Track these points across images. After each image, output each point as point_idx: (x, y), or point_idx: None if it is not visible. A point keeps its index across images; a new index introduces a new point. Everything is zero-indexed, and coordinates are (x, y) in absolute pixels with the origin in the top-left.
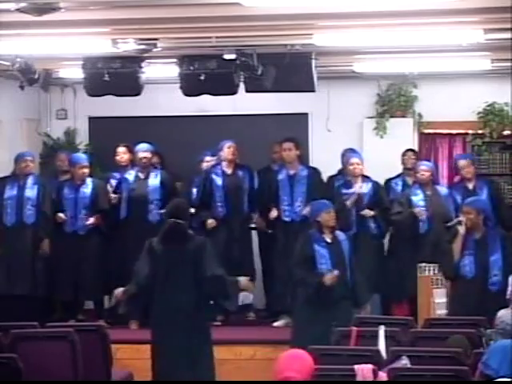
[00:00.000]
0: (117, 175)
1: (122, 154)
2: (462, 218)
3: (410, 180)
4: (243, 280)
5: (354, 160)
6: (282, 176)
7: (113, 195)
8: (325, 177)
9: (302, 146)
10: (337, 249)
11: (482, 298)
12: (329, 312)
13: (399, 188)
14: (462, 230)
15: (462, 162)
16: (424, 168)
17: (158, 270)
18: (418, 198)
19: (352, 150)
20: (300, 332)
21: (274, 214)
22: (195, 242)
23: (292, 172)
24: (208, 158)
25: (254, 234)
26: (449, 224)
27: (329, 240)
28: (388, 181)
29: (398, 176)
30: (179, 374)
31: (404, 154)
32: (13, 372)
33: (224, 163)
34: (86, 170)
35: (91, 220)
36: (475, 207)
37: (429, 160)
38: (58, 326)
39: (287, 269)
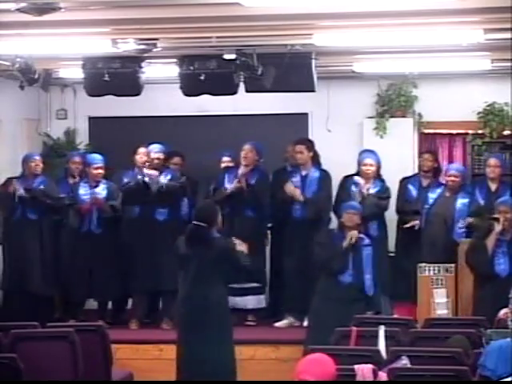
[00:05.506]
0: (130, 173)
1: (142, 155)
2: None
3: (425, 182)
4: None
5: (367, 161)
6: (295, 177)
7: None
8: None
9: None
10: (355, 251)
11: None
12: (343, 313)
13: (415, 189)
14: (498, 227)
15: (492, 160)
16: (453, 173)
17: (182, 270)
18: (433, 195)
19: (369, 151)
20: (314, 332)
21: (289, 186)
22: (217, 246)
23: (304, 173)
24: (225, 159)
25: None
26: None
27: None
28: (404, 179)
29: (415, 176)
30: (203, 373)
31: (420, 156)
32: (13, 372)
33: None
34: (101, 171)
35: (94, 199)
36: None
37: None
38: (58, 325)
39: (298, 268)
